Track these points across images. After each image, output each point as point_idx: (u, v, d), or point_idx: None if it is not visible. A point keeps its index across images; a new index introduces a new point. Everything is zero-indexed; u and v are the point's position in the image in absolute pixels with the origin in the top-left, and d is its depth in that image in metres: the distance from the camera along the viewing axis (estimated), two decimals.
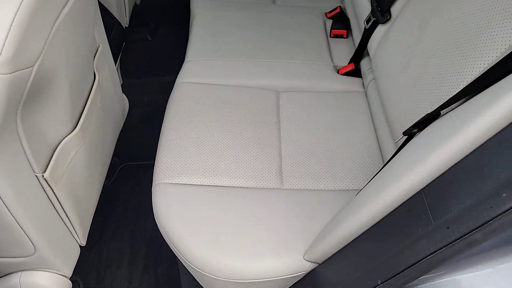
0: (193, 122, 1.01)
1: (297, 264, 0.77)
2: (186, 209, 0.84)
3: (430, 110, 0.74)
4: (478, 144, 0.49)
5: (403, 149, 0.69)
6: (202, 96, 1.09)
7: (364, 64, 1.17)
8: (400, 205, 0.59)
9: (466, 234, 0.48)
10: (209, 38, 1.29)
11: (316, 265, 0.77)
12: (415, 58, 0.85)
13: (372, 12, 1.04)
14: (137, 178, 1.42)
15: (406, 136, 0.74)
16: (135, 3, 1.70)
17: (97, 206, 1.10)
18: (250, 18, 1.38)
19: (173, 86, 1.16)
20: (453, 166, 0.52)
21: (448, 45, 0.76)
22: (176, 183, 0.89)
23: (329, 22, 1.39)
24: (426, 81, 0.78)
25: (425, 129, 0.65)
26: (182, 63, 1.24)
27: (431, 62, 0.79)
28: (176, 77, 1.18)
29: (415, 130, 0.67)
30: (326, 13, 1.44)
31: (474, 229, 0.47)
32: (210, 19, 1.37)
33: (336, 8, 1.43)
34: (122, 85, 1.40)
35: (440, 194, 0.53)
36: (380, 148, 0.99)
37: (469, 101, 0.57)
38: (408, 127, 0.76)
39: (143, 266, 1.20)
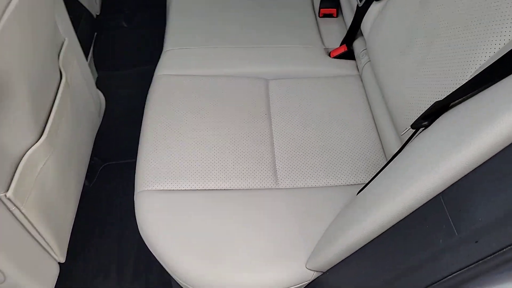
0: (175, 119, 0.92)
1: (300, 273, 0.70)
2: (174, 219, 0.76)
3: (436, 99, 0.66)
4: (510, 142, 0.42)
5: (411, 144, 0.61)
6: (183, 89, 0.99)
7: (357, 45, 1.09)
8: (414, 211, 0.51)
9: (499, 251, 0.41)
10: (187, 24, 1.19)
11: (320, 273, 0.70)
12: (416, 40, 0.77)
13: None
14: (120, 177, 1.33)
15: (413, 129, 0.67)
16: None
17: (80, 210, 1.02)
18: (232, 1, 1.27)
19: (153, 77, 1.06)
20: (478, 167, 0.45)
21: (454, 24, 0.67)
22: (160, 189, 0.81)
23: (317, 1, 1.29)
24: (431, 66, 0.71)
25: (437, 121, 0.58)
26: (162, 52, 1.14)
27: (435, 45, 0.71)
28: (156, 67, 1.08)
29: (425, 123, 0.59)
30: None
31: (510, 245, 0.40)
32: (187, 3, 1.26)
33: None
34: (97, 79, 1.29)
35: (462, 200, 0.46)
36: (380, 137, 0.92)
37: (493, 87, 0.49)
38: (415, 119, 0.69)
39: (132, 274, 1.13)
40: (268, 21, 1.20)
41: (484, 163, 0.44)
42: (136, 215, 0.79)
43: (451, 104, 0.58)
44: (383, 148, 0.90)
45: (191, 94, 0.98)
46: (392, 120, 0.85)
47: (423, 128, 0.62)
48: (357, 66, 1.09)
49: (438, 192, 0.49)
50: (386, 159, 0.87)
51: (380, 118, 0.92)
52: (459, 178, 0.47)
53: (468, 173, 0.46)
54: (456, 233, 0.45)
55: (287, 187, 0.84)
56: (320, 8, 1.23)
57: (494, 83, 0.50)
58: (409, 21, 0.80)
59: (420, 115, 0.70)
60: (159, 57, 1.12)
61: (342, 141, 0.91)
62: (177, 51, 1.11)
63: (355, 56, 1.09)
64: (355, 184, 0.84)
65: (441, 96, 0.66)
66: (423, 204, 0.50)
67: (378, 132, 0.93)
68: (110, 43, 1.60)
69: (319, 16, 1.24)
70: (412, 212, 0.51)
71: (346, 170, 0.86)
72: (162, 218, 0.76)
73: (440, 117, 0.59)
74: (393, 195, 0.53)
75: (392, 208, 0.53)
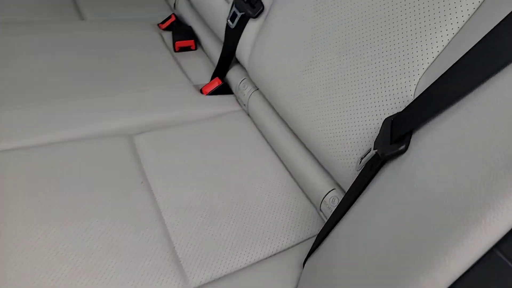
0: (3, 223, 0.55)
1: None
2: None
3: (381, 117, 0.52)
4: None
5: (391, 181, 0.43)
6: (6, 172, 0.62)
7: (233, 76, 0.91)
8: (461, 277, 0.33)
9: None
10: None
11: None
12: (320, 52, 0.62)
13: (236, 6, 0.78)
14: None
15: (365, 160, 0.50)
16: None
17: None
18: (58, 41, 0.95)
19: None
20: None
21: (375, 22, 0.55)
22: None
23: (167, 35, 1.09)
24: (357, 77, 0.56)
25: (420, 143, 0.42)
26: None
27: (354, 51, 0.57)
28: None
29: (402, 147, 0.42)
30: (159, 25, 1.13)
31: None
32: None
33: (169, 17, 1.13)
34: None
35: None
36: (294, 177, 0.74)
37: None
38: (352, 147, 0.52)
39: None
40: (115, 63, 0.92)
41: None
42: None
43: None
44: (303, 192, 0.71)
45: (21, 176, 0.62)
46: (312, 155, 0.68)
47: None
48: (237, 100, 0.90)
49: (491, 245, 0.31)
50: (315, 206, 0.68)
51: (289, 155, 0.74)
52: None
53: None
54: None
55: (202, 282, 0.56)
56: (174, 41, 1.03)
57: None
58: (304, 33, 0.65)
59: (362, 141, 0.54)
60: None
61: (250, 195, 0.69)
62: None
63: (233, 89, 0.91)
64: (290, 247, 0.63)
65: (387, 112, 0.51)
66: (472, 266, 0.32)
67: (290, 173, 0.74)
68: None
69: (175, 51, 1.03)
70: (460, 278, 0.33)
71: (272, 232, 0.64)
72: None
73: (414, 136, 0.43)
74: (425, 266, 0.33)
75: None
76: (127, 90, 0.84)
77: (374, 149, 0.47)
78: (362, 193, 0.48)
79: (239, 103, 0.90)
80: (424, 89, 0.45)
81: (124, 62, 0.93)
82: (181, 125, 0.82)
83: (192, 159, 0.73)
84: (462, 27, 0.45)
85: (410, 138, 0.43)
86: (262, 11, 0.75)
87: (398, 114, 0.47)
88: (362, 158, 0.50)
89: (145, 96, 0.84)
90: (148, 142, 0.75)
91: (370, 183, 0.48)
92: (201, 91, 0.91)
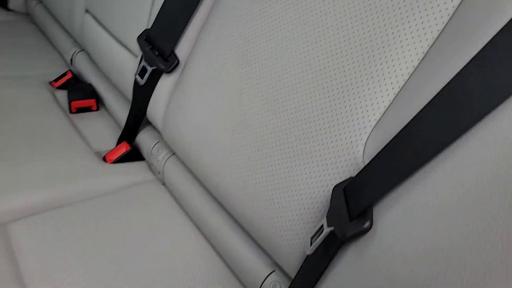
0: None
1: None
2: None
3: (328, 182, 0.43)
4: None
5: (365, 266, 0.34)
6: None
7: (144, 139, 0.78)
8: None
9: None
10: None
11: None
12: (249, 110, 0.54)
13: (146, 59, 0.67)
14: None
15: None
16: None
17: None
18: None
19: None
20: None
21: (307, 78, 0.48)
22: None
23: (62, 94, 0.92)
24: (289, 138, 0.48)
25: (386, 218, 0.33)
26: None
27: (285, 111, 0.50)
28: None
29: (367, 224, 0.33)
30: (51, 83, 0.96)
31: None
32: None
33: (65, 74, 0.98)
34: None
35: None
36: (222, 259, 0.61)
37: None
38: (298, 224, 0.43)
39: None
40: None
41: None
42: None
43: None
44: (235, 276, 0.59)
45: None
46: (245, 230, 0.57)
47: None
48: (150, 167, 0.77)
49: None
50: None
51: (215, 231, 0.61)
52: None
53: None
54: None
55: None
56: (70, 101, 0.87)
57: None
58: (231, 87, 0.56)
59: (308, 213, 0.44)
60: None
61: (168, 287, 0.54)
62: None
63: (145, 155, 0.77)
64: None
65: (334, 178, 0.43)
66: None
67: (218, 253, 0.61)
68: None
69: (70, 112, 0.87)
70: None
71: None
72: None
73: (376, 208, 0.35)
74: None
75: None
76: (4, 161, 0.66)
77: (328, 226, 0.38)
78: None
79: (152, 171, 0.76)
80: (378, 150, 0.38)
81: (1, 127, 0.74)
82: (77, 204, 0.65)
83: (89, 249, 0.57)
84: (413, 72, 0.40)
85: (372, 212, 0.34)
86: (177, 65, 0.65)
87: (351, 180, 0.39)
88: (312, 238, 0.40)
89: (26, 170, 0.66)
90: (28, 231, 0.57)
91: (326, 270, 0.38)
92: (104, 159, 0.75)
